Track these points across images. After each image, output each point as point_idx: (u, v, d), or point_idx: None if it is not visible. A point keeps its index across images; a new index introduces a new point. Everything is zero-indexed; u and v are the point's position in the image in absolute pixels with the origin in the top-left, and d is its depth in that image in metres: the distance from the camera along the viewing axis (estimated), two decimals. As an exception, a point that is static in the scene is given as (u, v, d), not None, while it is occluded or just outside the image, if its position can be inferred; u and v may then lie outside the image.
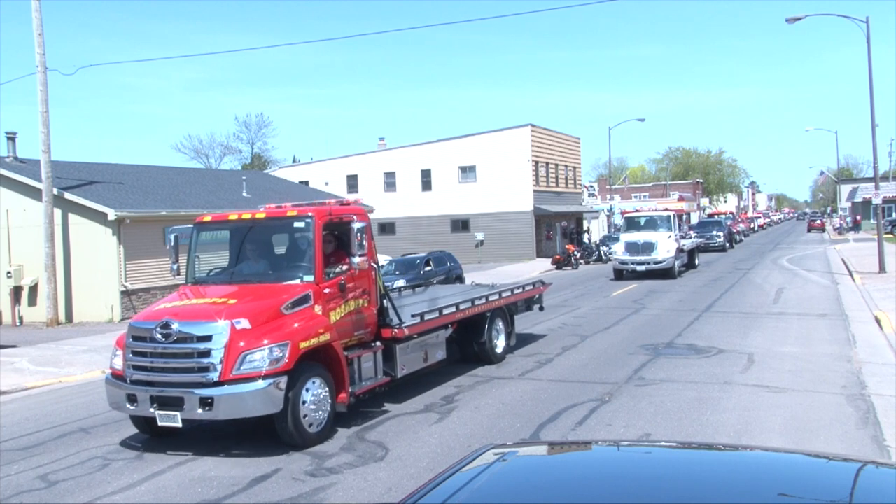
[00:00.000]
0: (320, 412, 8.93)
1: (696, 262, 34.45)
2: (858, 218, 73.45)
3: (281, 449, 8.70)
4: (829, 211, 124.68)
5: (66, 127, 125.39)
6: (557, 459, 3.25)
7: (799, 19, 28.51)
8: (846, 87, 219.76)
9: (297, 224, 9.91)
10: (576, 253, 40.03)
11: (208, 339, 8.46)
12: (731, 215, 66.93)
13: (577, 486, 2.64)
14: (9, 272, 24.29)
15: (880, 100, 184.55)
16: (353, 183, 51.52)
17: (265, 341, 8.46)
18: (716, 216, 60.45)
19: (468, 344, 13.28)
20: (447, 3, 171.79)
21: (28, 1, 22.27)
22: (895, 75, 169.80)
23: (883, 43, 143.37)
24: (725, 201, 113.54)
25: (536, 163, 47.60)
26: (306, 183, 48.24)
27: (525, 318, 16.42)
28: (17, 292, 24.66)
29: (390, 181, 50.81)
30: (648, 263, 28.98)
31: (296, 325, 8.85)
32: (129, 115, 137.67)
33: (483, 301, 13.14)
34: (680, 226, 31.86)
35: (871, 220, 57.19)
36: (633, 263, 29.32)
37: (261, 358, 8.39)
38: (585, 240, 50.01)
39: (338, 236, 10.33)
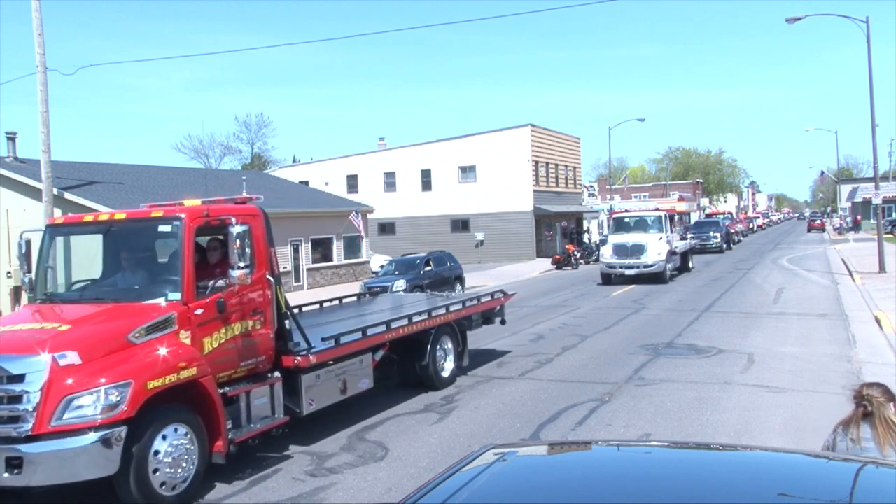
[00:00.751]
0: (182, 468, 7.02)
1: (691, 264, 33.36)
2: (858, 218, 73.41)
3: (281, 449, 8.67)
4: (829, 211, 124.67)
5: (66, 127, 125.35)
6: (557, 459, 3.25)
7: (799, 19, 28.53)
8: (846, 87, 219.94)
9: (161, 228, 7.99)
10: (576, 253, 40.06)
11: (21, 378, 6.59)
12: (729, 215, 66.73)
13: (577, 486, 2.64)
14: (9, 272, 24.27)
15: (880, 100, 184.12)
16: (353, 183, 51.55)
17: (101, 380, 6.59)
18: (714, 216, 60.31)
19: (408, 367, 11.45)
20: (447, 3, 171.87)
21: (28, 1, 22.27)
22: (895, 75, 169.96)
23: (883, 43, 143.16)
24: (725, 201, 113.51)
25: (536, 163, 47.62)
26: (306, 183, 48.30)
27: (524, 318, 16.42)
28: (17, 292, 24.64)
29: (390, 181, 50.82)
30: (638, 267, 27.38)
31: (153, 356, 7.01)
32: (129, 115, 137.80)
33: (424, 317, 11.32)
34: (672, 227, 30.62)
35: (871, 220, 57.17)
36: (621, 267, 27.75)
37: (92, 403, 6.52)
38: (585, 240, 50.09)
39: (225, 242, 8.34)
